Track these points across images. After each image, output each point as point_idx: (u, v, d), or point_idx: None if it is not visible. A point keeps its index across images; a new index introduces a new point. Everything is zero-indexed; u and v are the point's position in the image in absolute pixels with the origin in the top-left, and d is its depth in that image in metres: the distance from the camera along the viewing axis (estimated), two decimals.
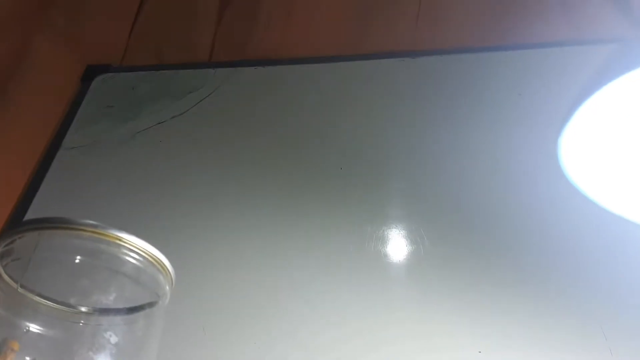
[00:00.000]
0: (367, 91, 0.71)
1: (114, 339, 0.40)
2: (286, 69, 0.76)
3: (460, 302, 0.54)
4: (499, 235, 0.57)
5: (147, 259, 0.42)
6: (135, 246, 0.41)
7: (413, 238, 0.57)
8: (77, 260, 0.41)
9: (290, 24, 0.84)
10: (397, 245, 0.57)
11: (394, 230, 0.58)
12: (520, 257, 0.56)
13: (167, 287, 0.44)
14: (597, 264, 0.56)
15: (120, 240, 0.41)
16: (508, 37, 0.75)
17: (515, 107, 0.65)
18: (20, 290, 0.39)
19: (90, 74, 0.80)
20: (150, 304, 0.42)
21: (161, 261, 0.42)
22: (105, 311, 0.41)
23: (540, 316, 0.56)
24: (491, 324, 0.55)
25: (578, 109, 0.58)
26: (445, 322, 0.55)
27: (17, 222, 0.62)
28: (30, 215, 0.63)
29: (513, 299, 0.55)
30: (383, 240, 0.58)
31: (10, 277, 0.40)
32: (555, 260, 0.56)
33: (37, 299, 0.40)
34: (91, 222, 0.40)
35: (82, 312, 0.40)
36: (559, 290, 0.55)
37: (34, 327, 0.39)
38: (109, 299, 0.41)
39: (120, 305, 0.41)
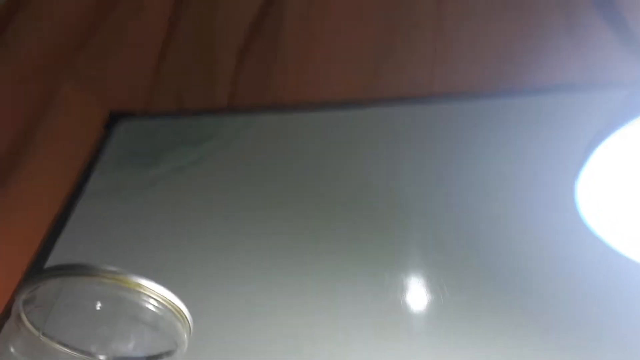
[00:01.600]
0: (383, 136, 0.72)
1: None
2: (303, 116, 0.77)
3: (483, 353, 0.53)
4: (519, 283, 0.57)
5: (165, 306, 0.42)
6: (154, 293, 0.42)
7: (432, 286, 0.57)
8: (98, 307, 0.42)
9: (307, 69, 0.86)
10: (416, 294, 0.57)
11: (412, 278, 0.58)
12: (542, 305, 0.56)
13: (185, 335, 0.44)
14: (624, 314, 0.55)
15: (139, 286, 0.41)
16: (523, 81, 0.76)
17: (532, 152, 0.65)
18: (42, 338, 0.40)
19: (113, 120, 0.82)
20: (169, 353, 0.43)
21: (179, 309, 0.43)
22: None
23: None
24: None
25: (593, 152, 0.58)
26: None
27: (40, 269, 0.63)
28: (52, 261, 0.64)
29: (537, 349, 0.54)
30: (402, 289, 0.57)
31: (33, 324, 0.41)
32: (579, 309, 0.55)
33: (58, 347, 0.40)
34: (112, 268, 0.41)
35: None
36: (585, 341, 0.54)
37: None
38: (128, 347, 0.41)
39: (139, 354, 0.42)
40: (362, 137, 0.72)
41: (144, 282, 0.42)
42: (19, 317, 0.41)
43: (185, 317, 0.43)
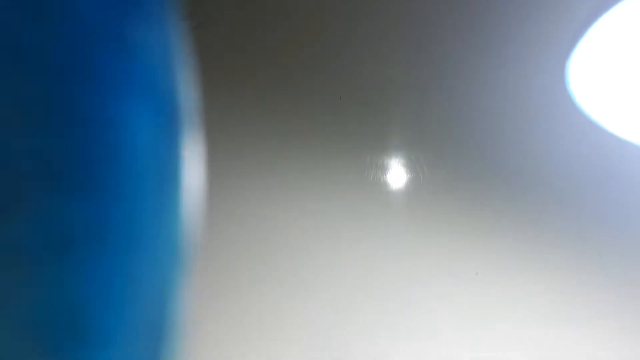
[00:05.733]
0: (366, 15, 0.68)
1: None
2: None
3: (458, 226, 0.55)
4: (498, 161, 0.58)
5: None
6: None
7: (412, 166, 0.57)
8: None
9: None
10: (396, 173, 0.57)
11: (393, 159, 0.58)
12: (519, 181, 0.57)
13: None
14: (597, 187, 0.56)
15: None
16: None
17: (522, 31, 0.63)
18: None
19: None
20: None
21: None
22: None
23: (536, 238, 0.57)
24: (488, 247, 0.56)
25: (586, 31, 0.56)
26: (444, 246, 0.56)
27: None
28: None
29: (510, 222, 0.55)
30: (382, 169, 0.58)
31: None
32: (554, 184, 0.56)
33: None
34: None
35: None
36: (556, 212, 0.56)
37: None
38: None
39: None
40: (344, 15, 0.68)
41: None
42: None
43: None
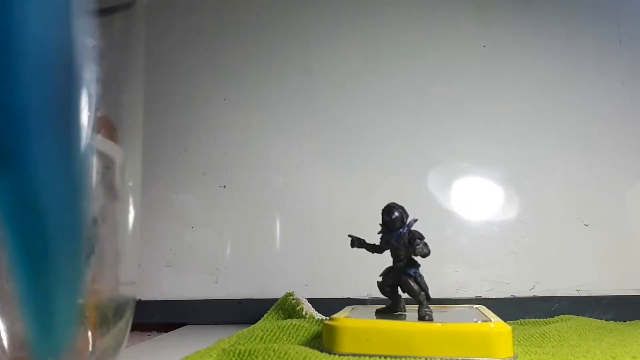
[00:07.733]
0: None
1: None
2: None
3: None
4: None
5: None
6: None
7: None
8: None
9: None
10: None
11: None
12: None
13: None
14: None
15: None
16: None
17: None
18: None
19: None
20: (127, 5, 0.38)
21: None
22: None
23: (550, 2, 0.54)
24: (497, 18, 0.53)
25: None
26: (452, 17, 0.53)
27: None
28: None
29: None
30: None
31: None
32: None
33: None
34: None
35: None
36: None
37: None
38: None
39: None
40: None
41: None
42: None
43: None
